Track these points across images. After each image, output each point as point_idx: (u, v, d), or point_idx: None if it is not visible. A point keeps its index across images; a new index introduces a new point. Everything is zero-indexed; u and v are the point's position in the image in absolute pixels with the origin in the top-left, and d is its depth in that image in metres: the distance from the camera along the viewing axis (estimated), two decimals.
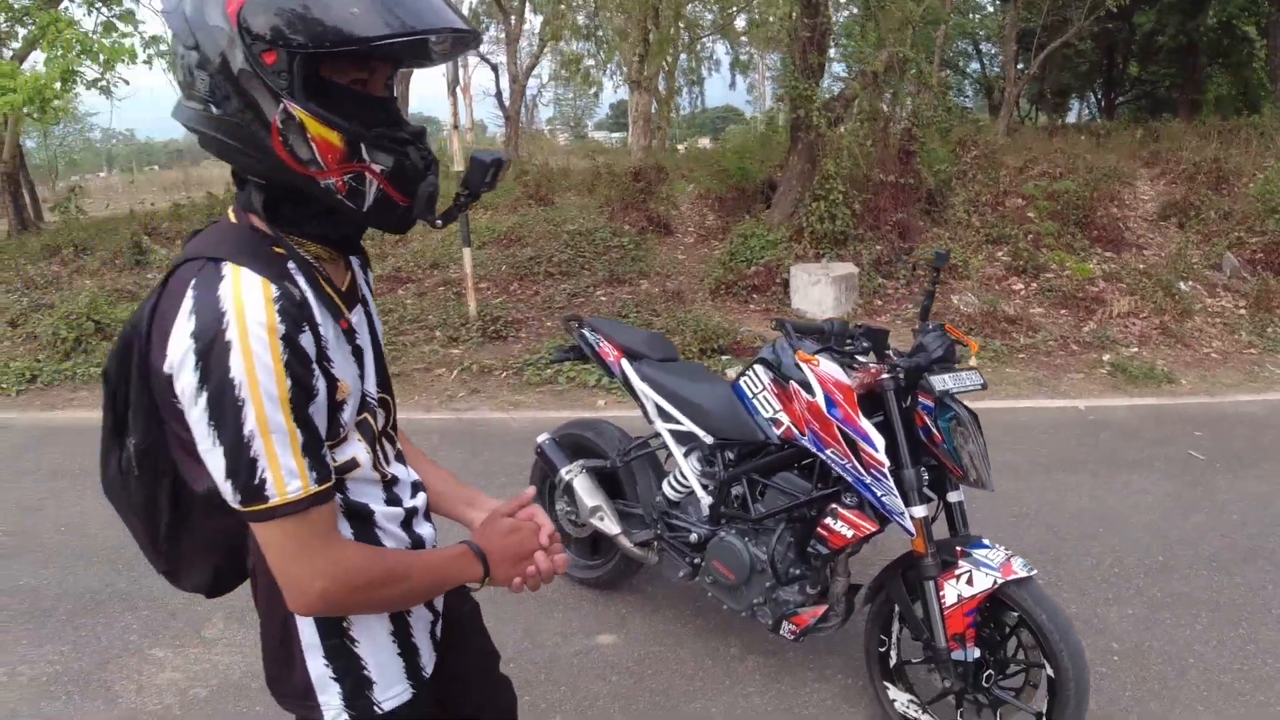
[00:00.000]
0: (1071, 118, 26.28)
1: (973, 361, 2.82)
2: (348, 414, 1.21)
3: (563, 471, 3.21)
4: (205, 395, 1.05)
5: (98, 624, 3.61)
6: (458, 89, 7.80)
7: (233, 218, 1.21)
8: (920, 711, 2.60)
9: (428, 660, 1.40)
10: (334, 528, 1.18)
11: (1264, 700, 2.91)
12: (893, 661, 2.64)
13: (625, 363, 3.14)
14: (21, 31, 12.07)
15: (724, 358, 6.81)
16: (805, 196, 8.76)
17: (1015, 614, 2.34)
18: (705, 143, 24.38)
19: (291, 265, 1.16)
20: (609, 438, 3.32)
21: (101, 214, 13.95)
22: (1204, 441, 5.18)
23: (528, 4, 17.71)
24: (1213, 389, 6.32)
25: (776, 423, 2.58)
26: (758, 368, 2.67)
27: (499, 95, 20.33)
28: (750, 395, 2.67)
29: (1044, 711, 2.35)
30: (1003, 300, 7.76)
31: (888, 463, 2.30)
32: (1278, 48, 16.41)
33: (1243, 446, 5.11)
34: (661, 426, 3.06)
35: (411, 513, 1.37)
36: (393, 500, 1.33)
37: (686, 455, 3.02)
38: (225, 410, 1.05)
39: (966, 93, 26.94)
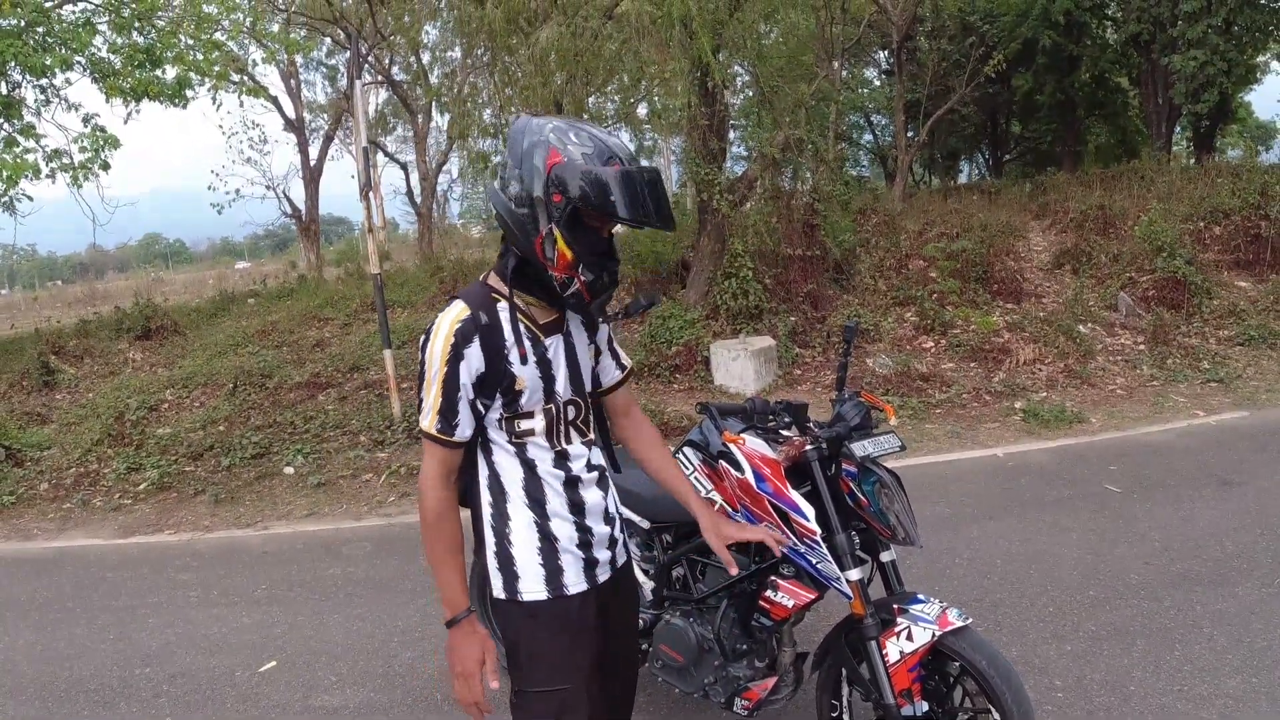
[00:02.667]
0: (963, 178, 27.53)
1: (892, 423, 2.94)
2: (526, 399, 1.92)
3: None
4: (421, 361, 1.90)
5: None
6: (369, 192, 7.85)
7: (481, 278, 1.99)
8: None
9: (573, 583, 2.00)
10: (445, 466, 1.92)
11: (1204, 717, 3.02)
12: None
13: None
14: None
15: None
16: (717, 275, 9.00)
17: (957, 664, 2.41)
18: (618, 229, 24.80)
19: (501, 305, 1.91)
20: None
21: (5, 334, 13.52)
22: (1119, 475, 5.41)
23: (434, 104, 17.97)
24: (1121, 423, 6.61)
25: (709, 502, 2.65)
26: (687, 450, 2.74)
27: (410, 193, 20.48)
28: None
29: None
30: (915, 359, 8.04)
31: (820, 531, 2.38)
32: (1149, 95, 17.53)
33: (1155, 475, 5.35)
34: None
35: (575, 480, 2.01)
36: (559, 465, 2.00)
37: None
38: (423, 371, 1.90)
39: (863, 163, 28.03)
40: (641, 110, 18.96)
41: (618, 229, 2.00)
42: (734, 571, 2.33)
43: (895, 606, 2.43)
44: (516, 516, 1.98)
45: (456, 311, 1.88)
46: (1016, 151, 25.56)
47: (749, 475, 2.48)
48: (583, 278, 1.84)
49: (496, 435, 1.97)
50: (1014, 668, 2.39)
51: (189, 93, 12.29)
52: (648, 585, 2.95)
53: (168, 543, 6.17)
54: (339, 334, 10.33)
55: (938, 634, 2.34)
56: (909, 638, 2.37)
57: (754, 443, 2.51)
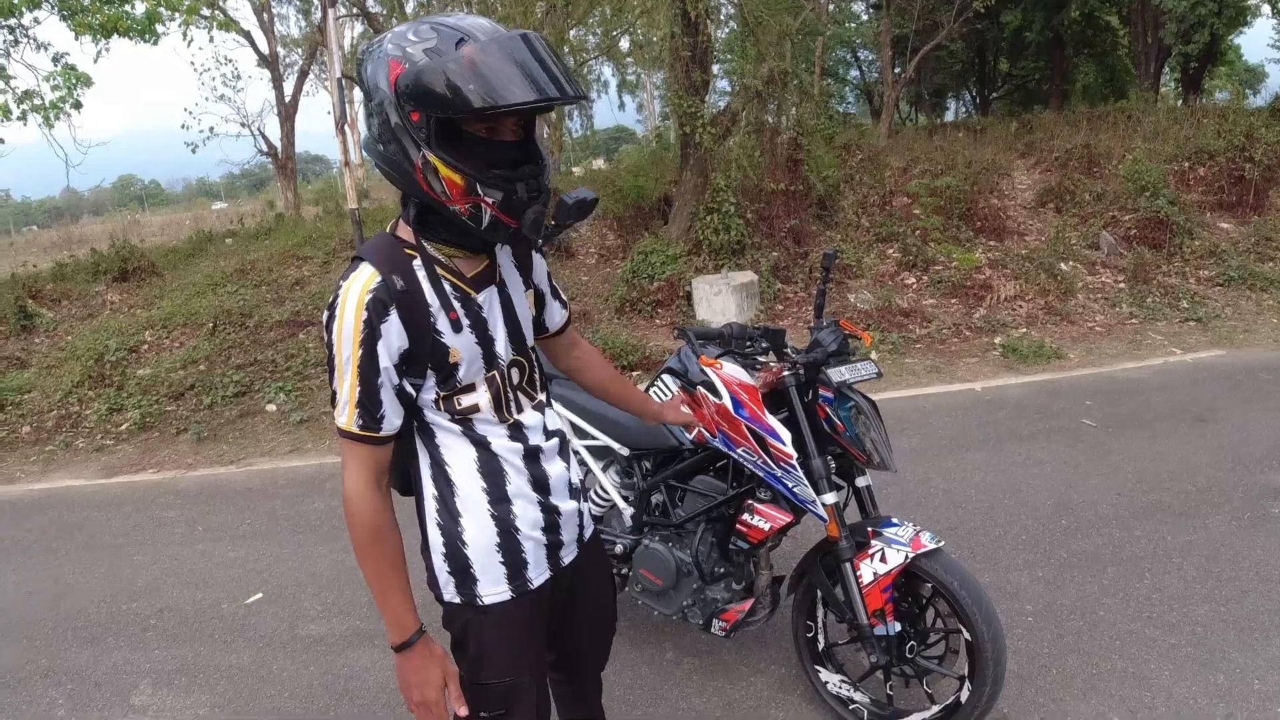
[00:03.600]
0: (949, 116, 27.35)
1: (870, 351, 2.96)
2: (464, 371, 1.62)
3: None
4: (329, 344, 1.54)
5: (21, 703, 3.48)
6: (345, 125, 7.74)
7: (388, 228, 1.64)
8: (852, 690, 2.71)
9: (536, 574, 1.75)
10: (372, 469, 1.59)
11: (1174, 644, 3.10)
12: (821, 645, 2.75)
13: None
14: None
15: (634, 374, 6.90)
16: (700, 210, 8.95)
17: (929, 585, 2.46)
18: (600, 164, 24.56)
19: (418, 262, 1.58)
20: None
21: None
22: (1095, 410, 5.48)
23: None
24: (1099, 360, 6.68)
25: (688, 428, 2.67)
26: (665, 377, 2.76)
27: None
28: None
29: (966, 674, 2.47)
30: (896, 295, 8.06)
31: (796, 455, 2.41)
32: (1139, 35, 17.39)
33: (1131, 411, 5.42)
34: (577, 444, 3.12)
35: (534, 451, 1.73)
36: (516, 438, 1.70)
37: (605, 469, 3.09)
38: (331, 357, 1.54)
39: (848, 99, 27.78)
40: (624, 44, 18.70)
41: (542, 130, 1.67)
42: (690, 435, 2.39)
43: (869, 529, 2.48)
44: (470, 511, 1.68)
45: (364, 279, 1.52)
46: (1004, 90, 25.40)
47: (727, 401, 2.50)
48: (488, 200, 1.49)
49: (435, 416, 1.66)
50: (985, 590, 2.45)
51: (159, 28, 12.00)
52: (627, 511, 2.99)
53: (151, 481, 6.18)
54: (318, 272, 10.24)
55: (910, 556, 2.39)
56: (882, 559, 2.42)
57: (731, 368, 2.53)
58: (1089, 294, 8.21)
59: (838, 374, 2.47)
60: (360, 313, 1.50)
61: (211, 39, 25.51)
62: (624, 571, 2.98)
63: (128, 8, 11.30)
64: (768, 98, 9.48)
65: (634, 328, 8.08)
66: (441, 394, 1.63)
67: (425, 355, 1.57)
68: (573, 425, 3.09)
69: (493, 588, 1.71)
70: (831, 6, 19.36)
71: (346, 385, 1.54)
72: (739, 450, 2.52)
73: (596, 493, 3.10)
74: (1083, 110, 16.12)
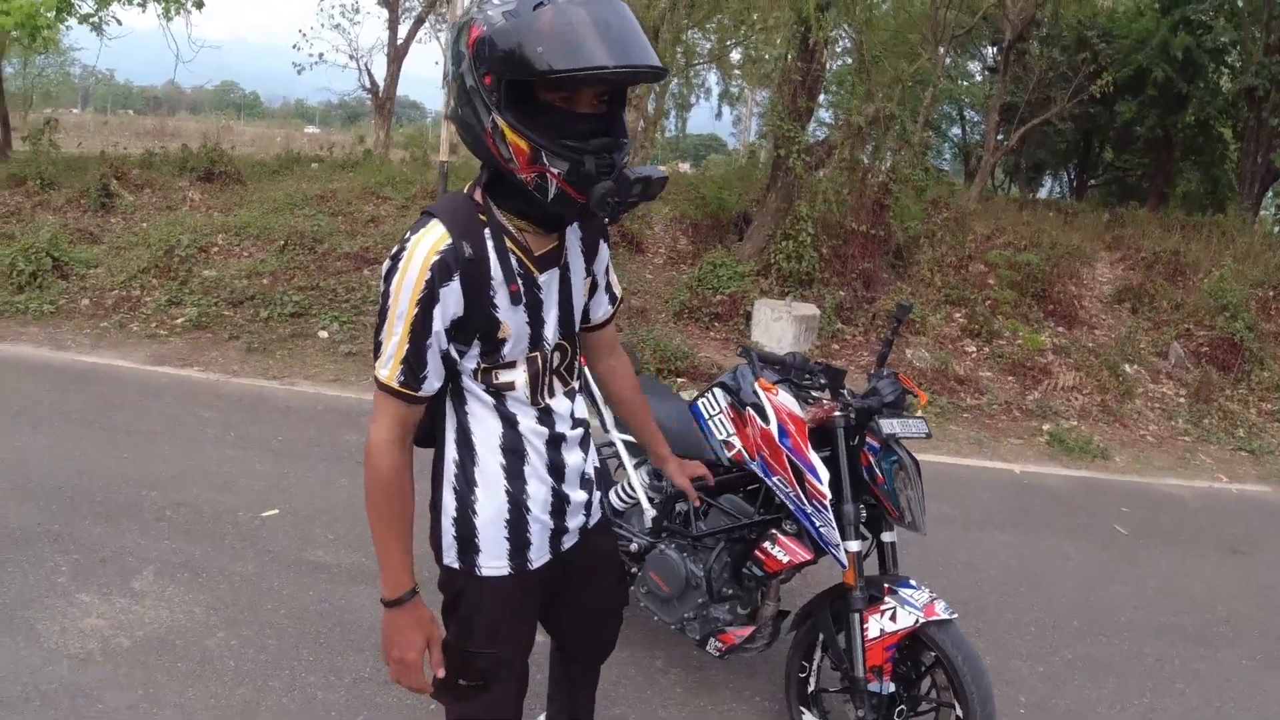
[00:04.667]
0: (1043, 193, 26.93)
1: (922, 411, 2.94)
2: (509, 348, 1.60)
3: None
4: (384, 292, 1.53)
5: (25, 562, 3.58)
6: (448, 81, 7.82)
7: (466, 189, 1.61)
8: None
9: (537, 555, 1.76)
10: (402, 425, 1.59)
11: None
12: (811, 688, 2.73)
13: (587, 370, 3.21)
14: None
15: (679, 380, 6.91)
16: (777, 234, 8.93)
17: (933, 654, 2.44)
18: (685, 167, 24.56)
19: (487, 230, 1.56)
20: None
21: (72, 152, 13.69)
22: (1130, 517, 5.38)
23: None
24: (1144, 469, 6.55)
25: (729, 445, 2.67)
26: (717, 391, 2.76)
27: None
28: (706, 416, 2.76)
29: None
30: (954, 360, 7.97)
31: (830, 496, 2.40)
32: (1249, 153, 16.98)
33: (1167, 526, 5.31)
34: (616, 436, 3.13)
35: (559, 438, 1.73)
36: (544, 422, 1.70)
37: (636, 467, 3.10)
38: (384, 306, 1.53)
39: (945, 155, 27.47)
40: (735, 56, 18.70)
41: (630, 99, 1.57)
42: (695, 502, 2.43)
43: (886, 585, 2.46)
44: (486, 483, 1.69)
45: (435, 238, 1.51)
46: (1103, 178, 24.95)
47: (773, 427, 2.50)
48: (553, 170, 1.44)
49: (470, 384, 1.65)
50: (988, 672, 2.42)
51: None
52: (649, 513, 2.99)
53: (196, 379, 6.32)
54: (395, 214, 10.36)
55: (921, 621, 2.37)
56: (892, 618, 2.40)
57: (785, 397, 2.52)
58: (1147, 401, 8.05)
59: (889, 425, 2.45)
60: (424, 272, 1.49)
61: None
62: (633, 570, 2.99)
63: None
64: (868, 137, 9.43)
65: (688, 335, 8.09)
66: (482, 365, 1.62)
67: (476, 326, 1.56)
68: (615, 418, 3.11)
69: (494, 561, 1.72)
70: (948, 60, 19.17)
71: (395, 340, 1.53)
72: (774, 478, 2.52)
73: (623, 488, 3.12)
74: (1178, 216, 15.77)
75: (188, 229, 9.18)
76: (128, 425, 5.20)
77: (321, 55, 17.61)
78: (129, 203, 10.46)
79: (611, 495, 3.16)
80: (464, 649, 1.74)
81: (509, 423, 1.67)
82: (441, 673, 1.70)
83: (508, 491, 1.69)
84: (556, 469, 1.74)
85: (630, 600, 3.10)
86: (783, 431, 2.48)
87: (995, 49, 20.25)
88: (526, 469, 1.70)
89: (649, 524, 2.99)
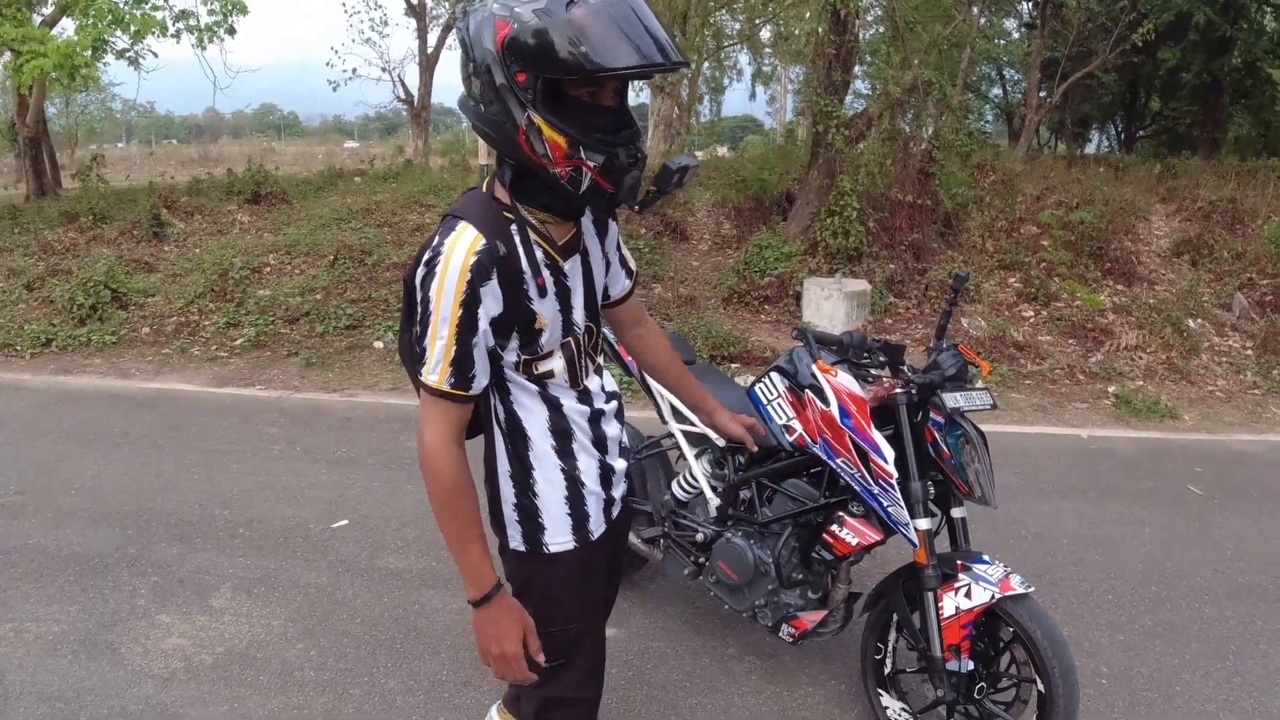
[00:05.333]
0: (1091, 148, 26.32)
1: (986, 380, 2.88)
2: (546, 338, 1.64)
3: None
4: (421, 300, 1.54)
5: (105, 586, 3.69)
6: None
7: (484, 189, 1.64)
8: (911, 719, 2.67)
9: (596, 526, 1.80)
10: (456, 426, 1.61)
11: None
12: (887, 669, 2.70)
13: (632, 359, 3.20)
14: None
15: (733, 366, 6.87)
16: (821, 211, 8.83)
17: (1010, 629, 2.40)
18: (723, 151, 24.44)
19: (514, 227, 1.58)
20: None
21: (121, 185, 14.04)
22: (1203, 477, 5.23)
23: None
24: (1214, 427, 6.36)
25: (789, 429, 2.65)
26: (774, 375, 2.73)
27: None
28: (765, 401, 2.73)
29: None
30: (1012, 326, 7.81)
31: (896, 474, 2.36)
32: None
33: (1241, 484, 5.15)
34: (675, 427, 3.12)
35: (599, 414, 1.80)
36: (583, 401, 1.76)
37: (698, 457, 3.09)
38: (424, 313, 1.54)
39: (987, 117, 26.95)
40: (765, 34, 18.53)
41: (633, 90, 1.63)
42: (751, 448, 2.45)
43: (959, 562, 2.42)
44: (541, 464, 1.73)
45: (470, 239, 1.52)
46: (1151, 129, 24.33)
47: (834, 409, 2.47)
48: (590, 163, 1.48)
49: (513, 375, 1.69)
50: (1068, 645, 2.37)
51: None
52: (713, 502, 2.98)
53: (258, 397, 6.45)
54: (439, 221, 10.48)
55: (997, 596, 2.33)
56: (968, 595, 2.36)
57: (844, 377, 2.49)
58: (1214, 355, 7.82)
59: (952, 399, 2.41)
60: (465, 274, 1.50)
61: None
62: (700, 560, 2.99)
63: None
64: (907, 106, 9.28)
65: (738, 320, 8.04)
66: (523, 358, 1.66)
67: (515, 320, 1.59)
68: (672, 408, 3.10)
69: (559, 537, 1.76)
70: (983, 20, 18.77)
71: (441, 344, 1.54)
72: (838, 460, 2.49)
73: (686, 478, 3.11)
74: (1231, 162, 15.31)
75: (239, 251, 9.36)
76: (195, 446, 5.32)
77: (355, 70, 17.91)
78: (180, 230, 10.71)
79: (674, 486, 3.15)
80: (545, 631, 1.74)
81: (554, 406, 1.72)
82: (542, 658, 1.71)
83: (562, 470, 1.75)
84: (600, 442, 1.80)
85: (700, 589, 3.12)
86: (844, 412, 2.45)
87: (1031, 4, 19.81)
88: (575, 446, 1.76)
89: (714, 513, 2.98)
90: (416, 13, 19.15)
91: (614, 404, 1.86)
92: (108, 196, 12.11)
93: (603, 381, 1.85)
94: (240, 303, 8.23)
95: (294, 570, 3.83)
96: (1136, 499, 4.84)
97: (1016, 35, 23.22)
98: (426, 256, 1.54)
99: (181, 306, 8.29)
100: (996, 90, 25.43)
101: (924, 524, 2.40)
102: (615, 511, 1.89)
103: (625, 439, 1.93)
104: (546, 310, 1.62)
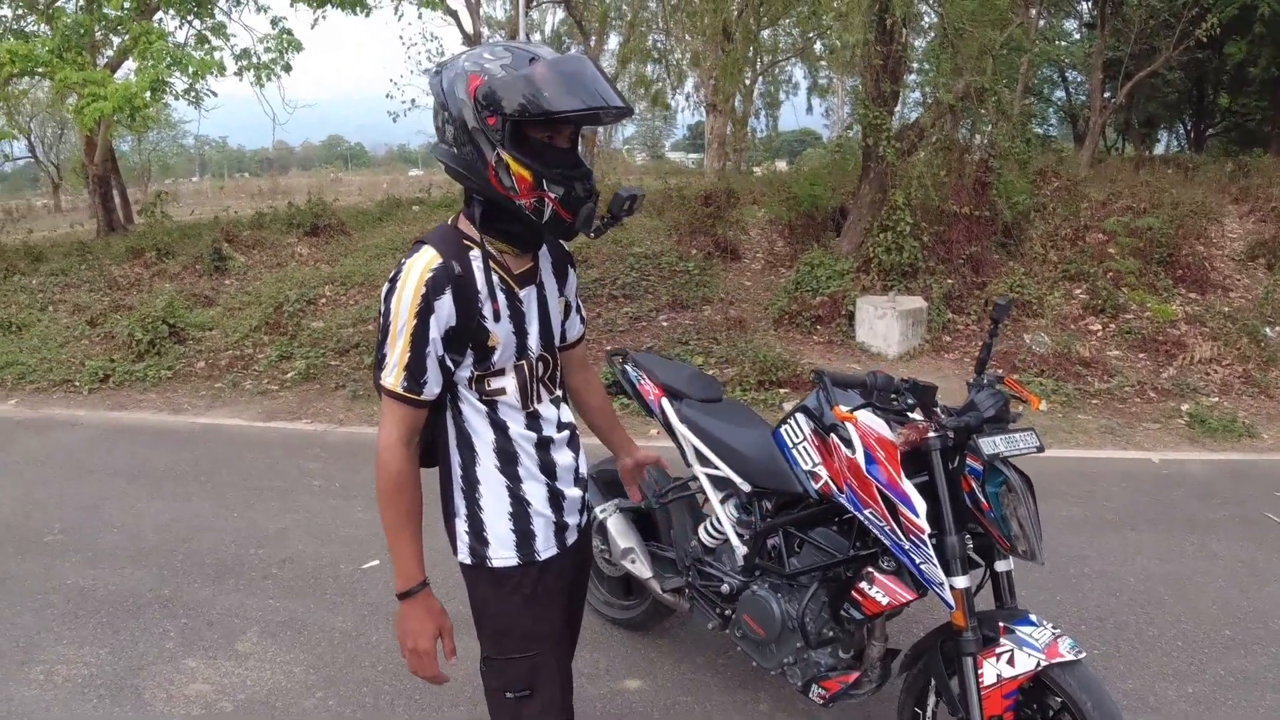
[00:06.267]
0: (1159, 149, 25.46)
1: (1041, 410, 2.65)
2: (499, 356, 1.79)
3: (597, 510, 3.13)
4: (384, 311, 1.72)
5: (136, 628, 3.67)
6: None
7: (450, 221, 1.84)
8: None
9: (544, 548, 1.91)
10: (408, 428, 1.77)
11: None
12: None
13: (665, 402, 3.05)
14: (115, 41, 12.54)
15: (782, 391, 6.67)
16: (874, 226, 8.58)
17: (1059, 699, 2.18)
18: (782, 165, 24.18)
19: (474, 254, 1.76)
20: (647, 477, 3.23)
21: (187, 219, 14.40)
22: None
23: (608, 25, 17.82)
24: None
25: (815, 476, 2.47)
26: (799, 416, 2.56)
27: None
28: (790, 445, 2.56)
29: None
30: (1078, 341, 7.46)
31: (928, 529, 2.16)
32: None
33: None
34: (699, 470, 2.96)
35: (547, 440, 1.91)
36: (532, 427, 1.89)
37: (723, 502, 2.92)
38: (386, 323, 1.72)
39: (1051, 121, 26.29)
40: (818, 46, 18.31)
41: (585, 134, 1.80)
42: (634, 499, 2.55)
43: (1001, 625, 2.20)
44: (487, 479, 1.87)
45: (427, 259, 1.71)
46: (1221, 126, 23.42)
47: (859, 455, 2.27)
48: (551, 195, 1.67)
49: (466, 393, 1.83)
50: (1121, 715, 2.14)
51: (371, 1, 12.62)
52: (740, 550, 2.81)
53: (303, 431, 6.45)
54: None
55: (1043, 664, 2.11)
56: (1010, 662, 2.15)
57: (870, 420, 2.29)
58: None
59: (991, 445, 2.19)
60: (420, 288, 1.68)
61: (420, 15, 26.77)
62: (726, 613, 2.81)
63: None
64: (961, 114, 8.98)
65: (789, 341, 7.83)
66: (476, 374, 1.80)
67: (469, 335, 1.74)
68: (696, 451, 2.94)
69: (503, 552, 1.88)
70: (1041, 22, 18.28)
71: (397, 350, 1.71)
72: (866, 511, 2.29)
73: (711, 524, 2.94)
74: None
75: (295, 284, 9.47)
76: (237, 482, 5.32)
77: (414, 101, 18.22)
78: (241, 264, 10.90)
79: (700, 532, 2.99)
80: (503, 657, 1.90)
81: (500, 429, 1.86)
82: (453, 660, 1.86)
83: (508, 488, 1.87)
84: (548, 468, 1.92)
85: (729, 643, 2.94)
86: (870, 459, 2.26)
87: (1091, 3, 19.23)
88: (520, 470, 1.88)
89: (740, 562, 2.80)
90: (472, 42, 19.36)
91: (565, 433, 1.97)
92: (172, 232, 12.40)
93: (559, 413, 1.96)
94: (294, 335, 8.29)
95: (321, 613, 3.76)
96: (1211, 529, 4.52)
97: (1077, 36, 22.60)
98: (392, 274, 1.73)
99: (237, 340, 8.39)
100: (1059, 93, 24.78)
101: (961, 582, 2.19)
102: (570, 539, 1.99)
103: (584, 469, 2.03)
104: (500, 330, 1.78)
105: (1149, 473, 5.37)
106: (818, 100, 28.35)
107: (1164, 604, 3.76)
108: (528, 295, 1.85)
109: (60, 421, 6.87)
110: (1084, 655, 2.15)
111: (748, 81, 17.23)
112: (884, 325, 7.57)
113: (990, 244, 8.97)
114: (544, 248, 1.93)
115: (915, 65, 10.20)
